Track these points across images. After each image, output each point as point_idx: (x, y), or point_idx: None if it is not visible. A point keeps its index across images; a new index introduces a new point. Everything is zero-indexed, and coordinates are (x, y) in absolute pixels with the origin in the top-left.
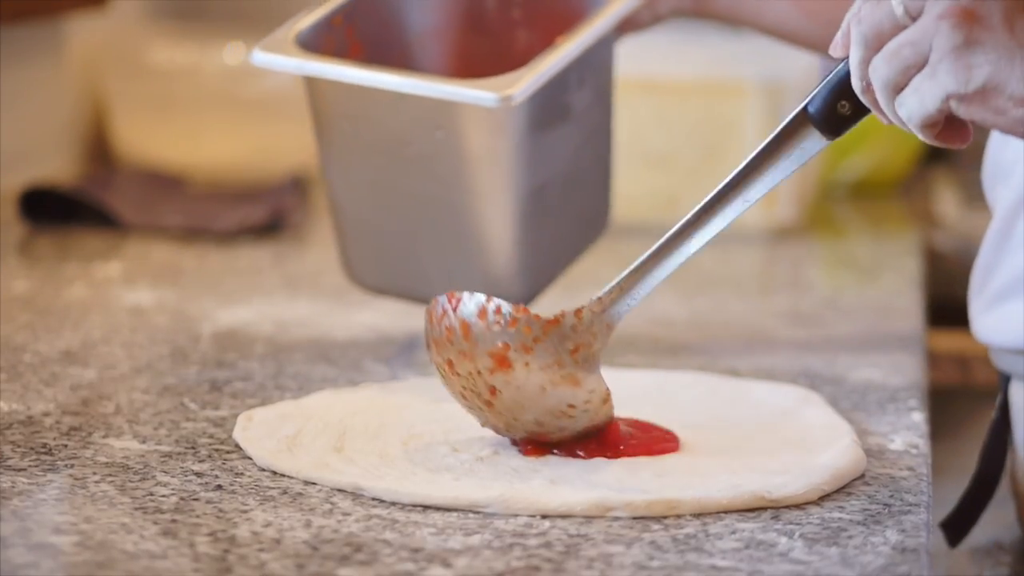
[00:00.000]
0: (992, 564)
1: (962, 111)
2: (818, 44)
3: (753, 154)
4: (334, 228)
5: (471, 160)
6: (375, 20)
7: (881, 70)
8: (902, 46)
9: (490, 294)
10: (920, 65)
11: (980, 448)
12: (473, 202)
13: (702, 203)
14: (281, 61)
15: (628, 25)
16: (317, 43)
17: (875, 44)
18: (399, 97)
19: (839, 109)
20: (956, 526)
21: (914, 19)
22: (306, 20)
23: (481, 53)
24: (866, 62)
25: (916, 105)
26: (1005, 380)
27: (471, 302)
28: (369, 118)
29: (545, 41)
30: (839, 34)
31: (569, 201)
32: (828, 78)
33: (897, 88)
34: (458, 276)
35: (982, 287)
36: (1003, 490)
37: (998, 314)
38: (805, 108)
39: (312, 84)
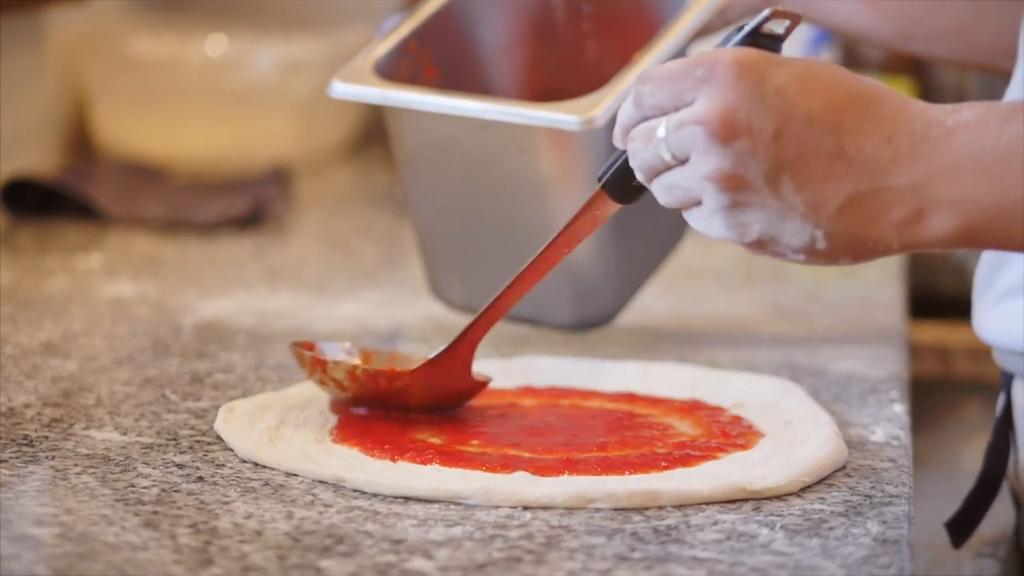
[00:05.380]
0: (975, 556)
1: (746, 250)
2: (888, 41)
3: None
4: (419, 250)
5: (553, 181)
6: (448, 41)
7: (661, 196)
8: (675, 186)
9: (577, 310)
10: (695, 202)
11: (985, 447)
12: (556, 222)
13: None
14: (363, 92)
15: (699, 32)
16: (393, 69)
17: (650, 176)
18: (481, 122)
19: (633, 183)
20: (961, 526)
21: (682, 162)
22: (382, 47)
23: (552, 65)
24: (647, 183)
25: (703, 229)
26: (1008, 379)
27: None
28: (451, 143)
29: (616, 51)
30: (618, 127)
31: (649, 213)
32: (619, 160)
33: (682, 208)
34: (544, 294)
35: (988, 286)
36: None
37: (1004, 313)
38: (601, 181)
39: (392, 112)
